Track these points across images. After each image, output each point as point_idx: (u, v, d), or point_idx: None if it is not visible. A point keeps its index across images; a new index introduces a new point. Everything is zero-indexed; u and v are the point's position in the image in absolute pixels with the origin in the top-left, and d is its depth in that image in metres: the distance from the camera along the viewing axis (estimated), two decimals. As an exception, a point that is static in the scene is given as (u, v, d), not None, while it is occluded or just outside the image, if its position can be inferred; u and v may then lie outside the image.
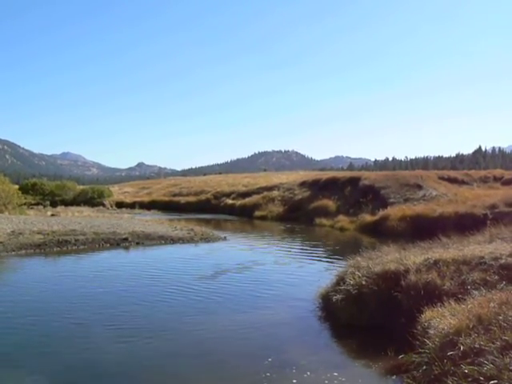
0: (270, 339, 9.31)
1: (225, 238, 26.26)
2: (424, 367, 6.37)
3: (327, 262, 18.47)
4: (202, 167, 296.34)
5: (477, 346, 5.81)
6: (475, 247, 10.55)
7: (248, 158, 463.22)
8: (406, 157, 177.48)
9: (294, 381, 7.23)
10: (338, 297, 10.21)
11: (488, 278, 8.37)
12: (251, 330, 10.01)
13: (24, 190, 54.79)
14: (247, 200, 48.30)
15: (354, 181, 40.61)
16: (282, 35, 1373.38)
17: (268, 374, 7.43)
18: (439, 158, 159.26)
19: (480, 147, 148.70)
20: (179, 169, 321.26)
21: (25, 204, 43.06)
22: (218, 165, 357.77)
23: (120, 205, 58.56)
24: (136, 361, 8.21)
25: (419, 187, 35.48)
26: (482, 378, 5.25)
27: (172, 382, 7.49)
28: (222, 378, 7.51)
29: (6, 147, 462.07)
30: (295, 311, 11.32)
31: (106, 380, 7.51)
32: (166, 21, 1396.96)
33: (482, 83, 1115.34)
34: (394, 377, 7.20)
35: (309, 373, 7.48)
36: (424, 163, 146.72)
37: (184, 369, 7.91)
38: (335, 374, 7.39)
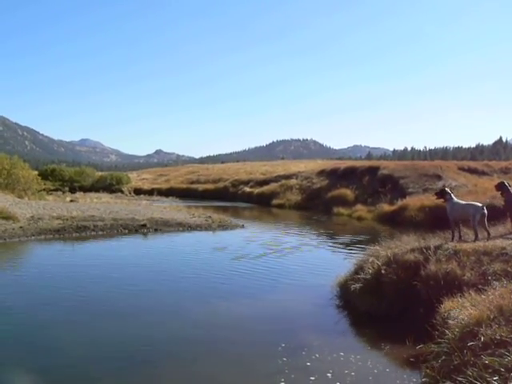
0: (287, 326, 9.32)
1: (242, 225, 26.30)
2: (443, 357, 6.29)
3: (345, 250, 18.38)
4: (219, 155, 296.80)
5: (498, 337, 5.71)
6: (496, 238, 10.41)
7: (266, 146, 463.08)
8: (425, 147, 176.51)
9: (308, 363, 7.36)
10: (357, 285, 10.18)
11: (509, 269, 8.23)
12: (269, 316, 10.06)
13: (43, 175, 55.29)
14: (265, 188, 48.29)
15: (372, 170, 40.28)
16: (302, 24, 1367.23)
17: (284, 359, 7.50)
18: (459, 149, 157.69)
19: (501, 138, 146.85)
20: (197, 156, 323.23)
21: (44, 190, 43.43)
22: (236, 152, 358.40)
23: (138, 191, 59.02)
24: (151, 345, 8.27)
25: (438, 178, 35.08)
26: (502, 370, 5.15)
27: (188, 366, 7.51)
28: (239, 363, 7.55)
29: (25, 133, 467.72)
30: (313, 299, 11.31)
31: (115, 361, 7.58)
32: (188, 7, 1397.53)
33: (504, 76, 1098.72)
34: (412, 366, 7.15)
35: (324, 358, 7.51)
36: (443, 153, 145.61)
37: (200, 354, 7.95)
38: (353, 361, 7.39)
